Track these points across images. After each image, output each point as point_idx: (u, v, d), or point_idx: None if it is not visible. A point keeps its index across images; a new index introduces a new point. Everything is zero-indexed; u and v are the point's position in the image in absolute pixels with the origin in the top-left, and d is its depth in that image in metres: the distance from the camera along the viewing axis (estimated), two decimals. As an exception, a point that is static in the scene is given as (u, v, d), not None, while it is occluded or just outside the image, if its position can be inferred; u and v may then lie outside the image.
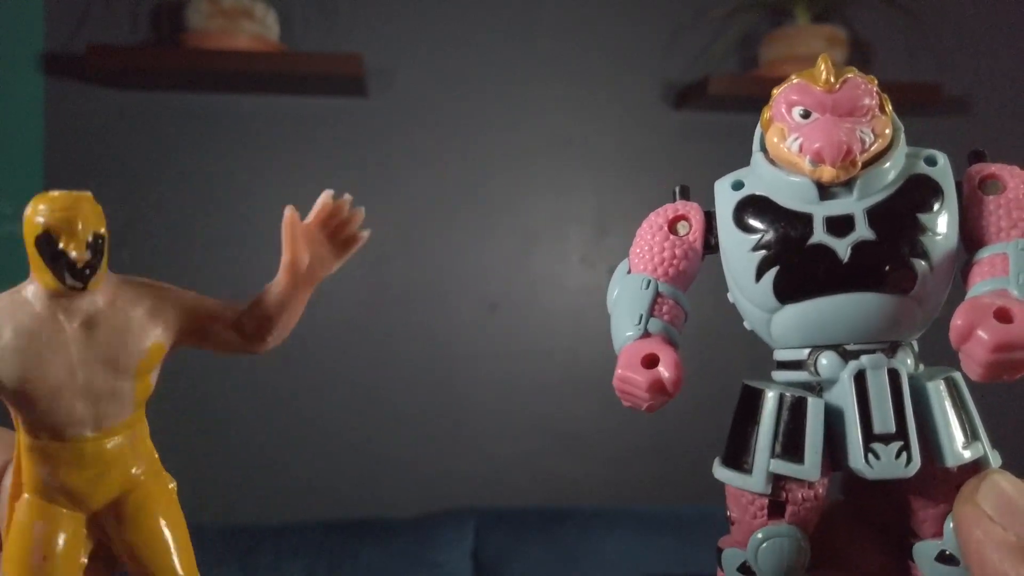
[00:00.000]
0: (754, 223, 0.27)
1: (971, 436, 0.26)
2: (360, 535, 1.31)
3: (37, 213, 0.30)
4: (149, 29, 1.38)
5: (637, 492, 1.46)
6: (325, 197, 0.34)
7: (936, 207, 0.26)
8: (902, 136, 0.27)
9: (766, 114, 0.28)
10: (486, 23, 1.46)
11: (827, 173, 0.25)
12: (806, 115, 0.27)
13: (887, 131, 0.26)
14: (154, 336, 0.32)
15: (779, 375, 0.28)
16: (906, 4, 1.47)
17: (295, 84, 1.37)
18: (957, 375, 0.26)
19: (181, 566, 0.32)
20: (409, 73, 1.44)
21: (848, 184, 0.26)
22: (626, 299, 0.28)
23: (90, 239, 0.30)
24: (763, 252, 0.26)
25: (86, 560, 0.33)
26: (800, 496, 0.26)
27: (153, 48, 1.35)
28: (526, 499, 1.45)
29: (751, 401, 0.27)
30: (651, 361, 0.26)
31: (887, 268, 0.25)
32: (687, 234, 0.29)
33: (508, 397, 1.47)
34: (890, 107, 0.27)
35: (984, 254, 0.26)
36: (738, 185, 0.28)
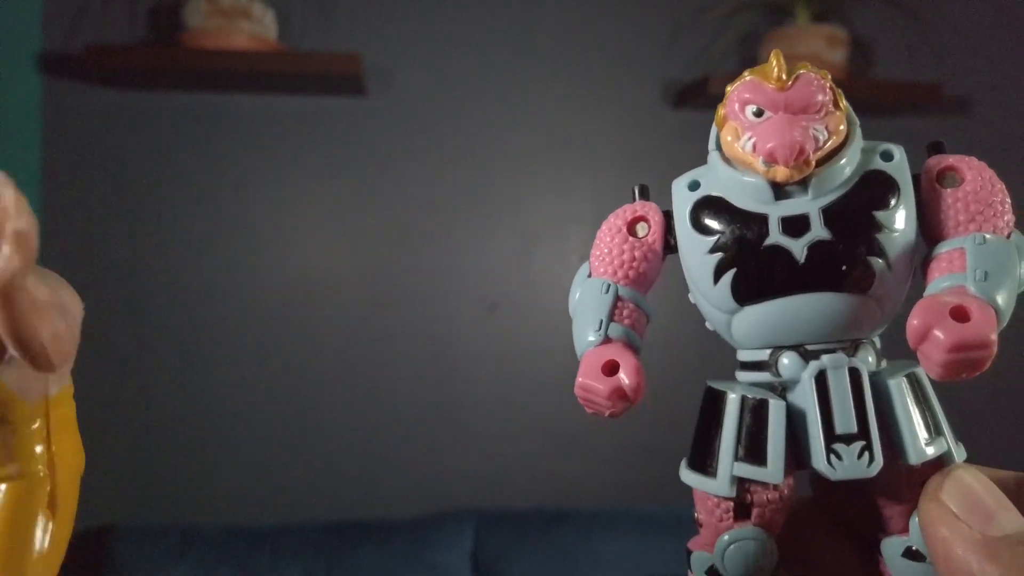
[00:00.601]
0: (710, 224, 0.26)
1: (934, 432, 0.25)
2: (359, 536, 1.31)
3: None
4: (147, 29, 1.38)
5: (637, 492, 1.45)
6: None
7: (892, 203, 0.25)
8: (858, 131, 0.26)
9: (720, 111, 0.27)
10: (486, 23, 1.45)
11: (780, 173, 0.25)
12: (759, 113, 0.26)
13: (841, 127, 0.26)
14: None
15: (742, 375, 0.28)
16: (907, 3, 1.47)
17: (294, 84, 1.36)
18: (920, 370, 0.26)
19: None
20: (408, 73, 1.43)
21: (803, 183, 0.25)
22: (586, 304, 0.28)
23: None
24: (720, 254, 0.26)
25: None
26: (765, 498, 0.26)
27: (151, 48, 1.35)
28: (526, 500, 1.44)
29: (714, 404, 0.27)
30: (612, 368, 0.26)
31: (844, 268, 0.25)
32: (646, 235, 0.29)
33: (508, 397, 1.47)
34: (845, 102, 0.27)
35: (942, 249, 0.25)
36: (694, 185, 0.28)
